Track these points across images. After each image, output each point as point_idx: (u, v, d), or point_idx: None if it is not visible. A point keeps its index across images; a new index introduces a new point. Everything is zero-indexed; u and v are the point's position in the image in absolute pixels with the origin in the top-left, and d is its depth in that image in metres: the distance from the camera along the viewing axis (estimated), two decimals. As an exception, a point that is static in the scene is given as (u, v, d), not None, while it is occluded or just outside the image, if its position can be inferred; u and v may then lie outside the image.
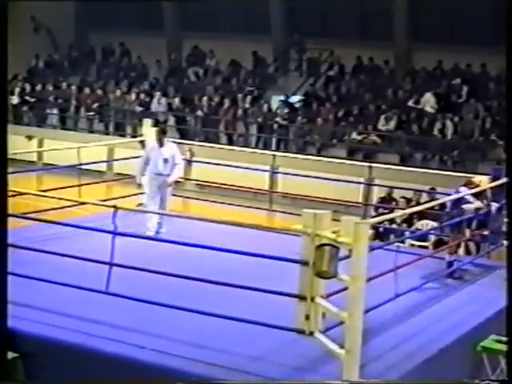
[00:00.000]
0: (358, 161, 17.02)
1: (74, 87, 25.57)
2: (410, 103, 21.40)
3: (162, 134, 11.07)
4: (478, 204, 9.69)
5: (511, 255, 7.67)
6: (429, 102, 21.02)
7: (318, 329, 6.99)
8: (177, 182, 13.37)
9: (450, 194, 10.35)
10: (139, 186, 11.14)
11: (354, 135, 21.05)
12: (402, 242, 10.40)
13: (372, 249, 6.79)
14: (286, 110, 22.34)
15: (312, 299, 6.97)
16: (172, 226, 10.35)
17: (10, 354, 6.73)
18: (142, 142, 12.28)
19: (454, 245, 9.83)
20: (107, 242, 7.64)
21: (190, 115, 23.43)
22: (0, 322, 5.94)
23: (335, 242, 6.57)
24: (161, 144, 10.91)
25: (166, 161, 10.82)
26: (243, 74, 24.95)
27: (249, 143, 22.05)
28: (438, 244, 13.26)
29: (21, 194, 8.87)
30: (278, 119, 22.11)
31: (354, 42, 23.28)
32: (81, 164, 12.18)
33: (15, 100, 25.07)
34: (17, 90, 25.31)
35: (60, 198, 9.29)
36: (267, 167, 14.57)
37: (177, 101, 23.69)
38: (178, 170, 10.98)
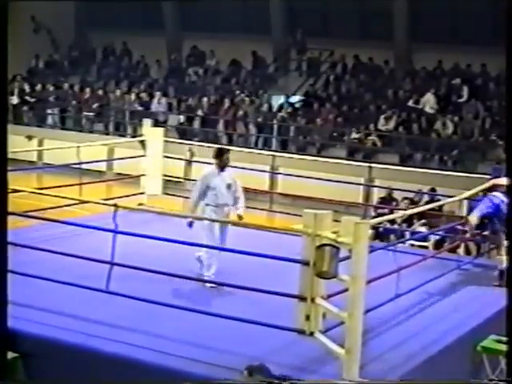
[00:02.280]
0: (357, 161, 17.03)
1: (74, 87, 25.59)
2: (410, 103, 21.41)
3: (226, 155, 8.96)
4: None
5: (511, 255, 7.67)
6: (429, 102, 21.03)
7: (319, 329, 6.99)
8: (177, 182, 13.43)
9: (451, 196, 10.34)
10: (191, 224, 8.66)
11: (354, 135, 21.06)
12: (402, 241, 10.40)
13: (372, 250, 6.78)
14: (289, 110, 22.39)
15: (312, 299, 6.96)
16: (174, 226, 10.33)
17: (10, 354, 6.73)
18: (142, 141, 12.26)
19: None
20: (107, 242, 7.64)
21: (190, 115, 23.47)
22: (0, 321, 5.93)
23: (335, 243, 6.57)
24: (222, 168, 8.90)
25: (229, 187, 8.84)
26: (243, 74, 24.96)
27: (249, 143, 22.07)
28: (438, 244, 13.28)
29: (21, 191, 8.85)
30: (282, 114, 22.13)
31: (354, 42, 23.30)
32: (81, 163, 12.17)
33: (15, 100, 25.07)
34: (16, 90, 25.31)
35: (60, 197, 9.28)
36: (267, 167, 14.58)
37: (191, 100, 23.73)
38: (242, 200, 9.00)
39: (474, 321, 8.01)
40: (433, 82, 21.94)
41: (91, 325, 7.17)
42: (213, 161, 8.94)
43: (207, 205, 8.75)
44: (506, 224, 9.04)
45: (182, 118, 23.49)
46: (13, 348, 6.80)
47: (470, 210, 13.20)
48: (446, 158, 19.92)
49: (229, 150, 9.14)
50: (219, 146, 9.56)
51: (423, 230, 13.58)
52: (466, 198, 10.13)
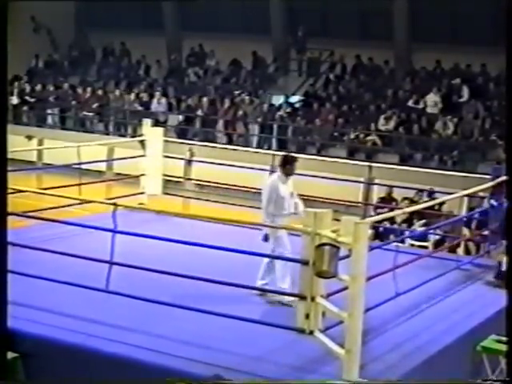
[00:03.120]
0: (358, 161, 17.02)
1: (74, 87, 25.59)
2: (410, 103, 21.42)
3: (295, 163, 8.44)
4: None
5: (511, 255, 7.66)
6: (434, 102, 21.00)
7: (318, 328, 6.99)
8: (177, 181, 13.43)
9: (451, 194, 10.33)
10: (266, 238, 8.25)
11: (353, 135, 21.07)
12: (402, 241, 10.38)
13: (372, 248, 6.78)
14: (289, 110, 22.39)
15: (312, 298, 6.97)
16: (174, 226, 10.34)
17: (10, 354, 6.73)
18: (142, 141, 12.26)
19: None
20: (107, 242, 7.64)
21: (190, 115, 23.47)
22: (0, 321, 5.93)
23: (335, 242, 6.57)
24: (287, 176, 8.39)
25: (292, 195, 8.43)
26: (243, 74, 24.97)
27: (249, 143, 22.07)
28: (438, 244, 13.27)
29: (21, 191, 8.85)
30: (282, 114, 22.14)
31: (353, 42, 23.30)
32: (81, 163, 12.16)
33: (15, 100, 25.08)
34: (16, 90, 25.31)
35: (60, 196, 9.27)
36: (267, 167, 14.55)
37: (191, 100, 23.72)
38: (300, 204, 8.47)
39: (474, 321, 8.01)
40: (433, 82, 21.94)
41: (91, 325, 7.17)
42: (278, 168, 8.42)
43: (277, 215, 8.25)
44: (506, 224, 9.03)
45: (180, 117, 23.50)
46: (13, 348, 6.79)
47: (470, 209, 13.23)
48: (446, 158, 19.92)
49: (297, 158, 8.54)
50: (287, 154, 8.82)
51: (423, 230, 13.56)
52: (466, 196, 10.11)
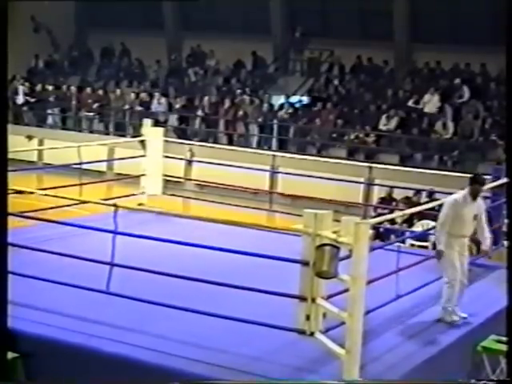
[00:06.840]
0: (358, 161, 17.03)
1: (74, 87, 25.59)
2: (410, 103, 21.41)
3: (481, 185, 8.27)
4: None
5: (511, 255, 7.66)
6: (432, 102, 21.00)
7: (319, 329, 6.99)
8: (177, 182, 13.44)
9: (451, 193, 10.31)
10: (440, 254, 7.99)
11: (353, 135, 21.08)
12: (403, 242, 10.37)
13: (373, 249, 6.78)
14: (290, 110, 22.40)
15: (313, 300, 6.96)
16: (174, 226, 10.34)
17: (10, 354, 6.73)
18: (142, 141, 12.26)
19: None
20: (107, 242, 7.63)
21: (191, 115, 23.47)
22: (0, 321, 5.94)
23: (335, 242, 6.57)
24: (474, 198, 8.18)
25: (475, 218, 8.22)
26: (243, 74, 24.97)
27: (249, 143, 22.07)
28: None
29: (21, 192, 8.85)
30: (282, 114, 22.14)
31: (354, 42, 23.31)
32: (80, 163, 12.15)
33: (20, 100, 25.06)
34: (21, 88, 25.28)
35: (60, 197, 9.27)
36: (267, 167, 14.57)
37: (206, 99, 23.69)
38: (487, 232, 8.36)
39: (474, 321, 8.01)
40: (433, 82, 21.94)
41: (91, 325, 7.17)
42: (466, 188, 8.22)
43: (450, 234, 8.02)
44: (507, 224, 9.03)
45: (179, 117, 23.50)
46: (13, 348, 6.79)
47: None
48: (446, 158, 19.92)
49: (486, 179, 8.49)
50: (476, 174, 8.78)
51: (428, 221, 13.51)
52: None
